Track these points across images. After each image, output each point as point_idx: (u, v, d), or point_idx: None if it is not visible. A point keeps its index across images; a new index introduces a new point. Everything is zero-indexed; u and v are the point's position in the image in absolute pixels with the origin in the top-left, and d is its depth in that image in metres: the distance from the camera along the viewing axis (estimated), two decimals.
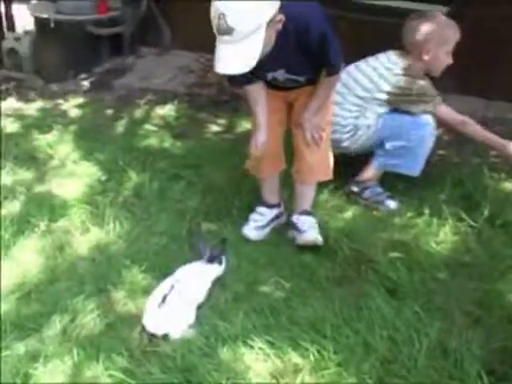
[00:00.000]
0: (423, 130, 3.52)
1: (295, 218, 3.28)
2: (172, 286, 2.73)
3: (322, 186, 3.46)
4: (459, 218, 3.39)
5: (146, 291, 2.88)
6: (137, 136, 4.40)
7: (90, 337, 2.64)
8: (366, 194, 3.61)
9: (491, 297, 2.81)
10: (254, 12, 2.50)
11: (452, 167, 3.94)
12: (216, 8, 2.50)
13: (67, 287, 2.93)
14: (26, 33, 5.88)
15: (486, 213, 3.36)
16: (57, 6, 5.67)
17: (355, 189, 3.63)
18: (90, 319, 2.72)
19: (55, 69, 5.64)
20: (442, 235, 3.28)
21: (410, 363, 2.43)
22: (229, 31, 2.50)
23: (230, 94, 4.81)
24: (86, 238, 3.29)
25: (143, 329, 2.65)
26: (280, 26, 2.64)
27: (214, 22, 2.53)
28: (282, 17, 2.61)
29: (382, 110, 3.54)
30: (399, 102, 3.52)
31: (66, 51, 5.56)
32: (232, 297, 2.84)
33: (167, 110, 4.81)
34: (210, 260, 2.91)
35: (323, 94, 3.05)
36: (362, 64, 3.60)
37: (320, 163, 3.22)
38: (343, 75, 3.38)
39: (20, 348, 2.59)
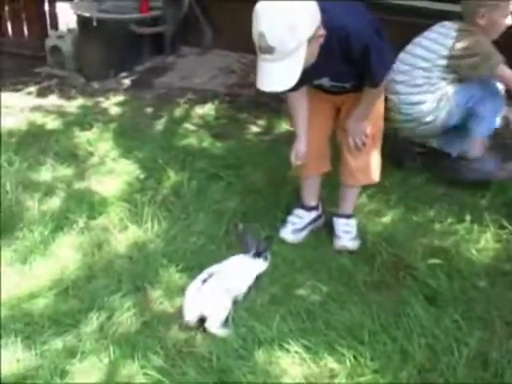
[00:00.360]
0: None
1: (334, 220, 3.30)
2: (212, 273, 2.78)
3: (360, 191, 3.43)
4: (501, 225, 3.33)
5: (183, 290, 2.87)
6: (176, 135, 4.41)
7: (126, 335, 2.66)
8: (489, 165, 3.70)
9: None
10: (293, 31, 2.45)
11: None
12: (256, 27, 2.47)
13: (105, 284, 2.94)
14: (69, 31, 5.95)
15: None
16: (99, 5, 5.74)
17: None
18: (126, 317, 2.74)
19: (97, 67, 5.69)
20: (483, 242, 3.22)
21: (448, 373, 2.40)
22: (270, 50, 2.47)
23: (270, 96, 4.78)
24: (123, 235, 3.30)
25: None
26: (322, 40, 2.60)
27: (255, 40, 2.50)
28: (323, 31, 2.57)
29: (450, 77, 3.57)
30: (462, 68, 3.55)
31: (108, 50, 5.61)
32: (269, 299, 2.82)
33: (207, 110, 4.82)
34: (256, 255, 2.93)
35: (366, 102, 2.98)
36: (417, 38, 3.69)
37: (362, 168, 3.18)
38: (401, 55, 3.63)
39: (58, 344, 2.61)
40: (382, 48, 2.76)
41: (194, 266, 3.02)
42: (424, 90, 3.59)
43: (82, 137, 4.38)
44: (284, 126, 4.40)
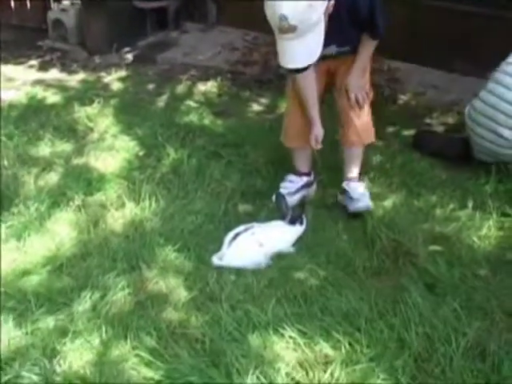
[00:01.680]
0: None
1: (345, 184, 3.33)
2: (247, 228, 2.95)
3: (362, 173, 3.43)
4: (503, 212, 3.27)
5: (179, 270, 2.86)
6: (177, 112, 4.35)
7: (119, 314, 2.61)
8: None
9: None
10: (313, 7, 2.56)
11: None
12: (275, 9, 2.56)
13: (99, 263, 2.90)
14: (72, 4, 5.87)
15: None
16: None
17: None
18: (120, 297, 2.69)
19: (99, 41, 5.61)
20: (485, 230, 3.16)
21: (445, 363, 2.34)
22: (292, 30, 2.57)
23: (273, 74, 4.73)
24: (121, 213, 3.26)
25: None
26: (332, 9, 2.69)
27: (274, 22, 2.60)
28: (333, 2, 2.66)
29: None
30: None
31: (111, 24, 5.53)
32: (265, 282, 2.77)
33: (209, 87, 4.75)
34: (292, 221, 3.03)
35: (366, 55, 3.12)
36: None
37: (365, 127, 3.27)
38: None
39: (49, 322, 2.58)
40: (380, 1, 2.90)
41: (191, 246, 2.99)
42: None
43: (83, 112, 4.32)
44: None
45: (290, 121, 3.34)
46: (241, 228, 2.98)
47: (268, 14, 2.64)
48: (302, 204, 3.17)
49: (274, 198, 3.21)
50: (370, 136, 3.33)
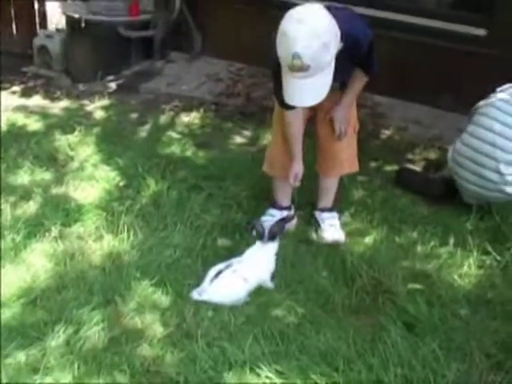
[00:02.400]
0: None
1: (317, 214, 3.42)
2: (229, 265, 2.92)
3: (343, 208, 3.46)
4: (484, 250, 3.26)
5: (155, 305, 2.81)
6: (159, 142, 4.33)
7: (92, 350, 2.56)
8: None
9: None
10: (326, 48, 2.58)
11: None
12: (288, 47, 2.55)
13: (75, 296, 2.85)
14: (58, 31, 5.87)
15: None
16: (89, 6, 5.65)
17: None
18: (94, 331, 2.65)
19: (84, 69, 5.61)
20: (466, 268, 3.15)
21: None
22: (304, 69, 2.58)
23: (256, 106, 4.73)
24: (98, 245, 3.21)
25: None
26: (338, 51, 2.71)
27: (286, 59, 2.59)
28: (342, 44, 2.69)
29: None
30: None
31: (96, 52, 5.53)
32: (243, 319, 2.74)
33: (192, 118, 4.74)
34: (271, 238, 3.00)
35: (357, 90, 3.17)
36: None
37: (349, 158, 3.33)
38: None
39: (21, 357, 2.52)
40: (374, 41, 2.94)
41: (168, 281, 2.94)
42: None
43: (64, 140, 4.29)
44: (269, 138, 4.31)
45: (274, 150, 3.34)
46: (221, 265, 2.93)
47: (279, 51, 2.62)
48: (280, 220, 3.12)
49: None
50: (353, 165, 3.38)
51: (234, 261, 2.96)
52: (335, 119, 3.18)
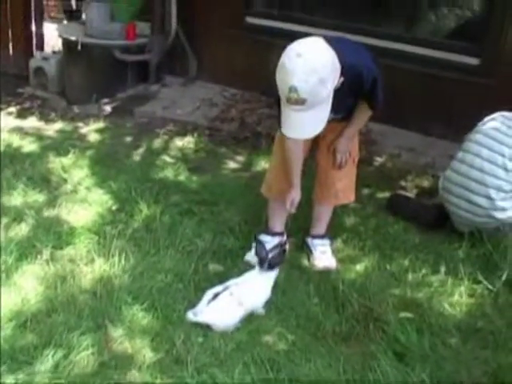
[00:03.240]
0: None
1: (309, 241, 3.44)
2: (226, 287, 2.90)
3: (335, 235, 3.46)
4: (475, 278, 3.26)
5: (145, 331, 2.79)
6: (153, 166, 4.34)
7: (81, 376, 2.54)
8: None
9: (505, 370, 2.66)
10: (324, 83, 2.59)
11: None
12: (285, 79, 2.57)
13: (65, 320, 2.83)
14: (54, 53, 5.92)
15: (504, 276, 3.23)
16: (85, 29, 5.70)
17: None
18: (83, 356, 2.62)
19: (79, 91, 5.65)
20: (457, 296, 3.14)
21: None
22: (301, 102, 2.60)
23: (250, 131, 4.76)
24: (89, 269, 3.20)
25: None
26: (339, 85, 2.72)
27: (283, 91, 2.62)
28: (342, 79, 2.70)
29: None
30: None
31: (92, 74, 5.58)
32: (233, 346, 2.72)
33: (186, 142, 4.76)
34: (271, 267, 2.98)
35: (361, 123, 3.22)
36: None
37: (346, 188, 3.36)
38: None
39: (10, 381, 2.49)
40: (381, 77, 2.94)
41: (159, 306, 2.93)
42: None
43: (58, 162, 4.31)
44: (262, 164, 4.34)
45: (273, 174, 3.35)
46: (219, 288, 2.93)
47: (278, 82, 2.64)
48: (283, 251, 3.09)
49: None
50: (350, 196, 3.42)
51: (232, 283, 2.95)
52: (337, 151, 3.22)
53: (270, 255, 2.98)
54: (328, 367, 2.61)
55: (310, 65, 2.57)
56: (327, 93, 2.65)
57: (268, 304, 2.99)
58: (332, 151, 3.23)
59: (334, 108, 2.89)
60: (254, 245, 3.30)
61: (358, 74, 2.81)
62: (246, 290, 2.94)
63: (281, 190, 3.26)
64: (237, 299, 2.88)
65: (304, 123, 2.71)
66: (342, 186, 3.34)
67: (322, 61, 2.61)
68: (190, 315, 2.86)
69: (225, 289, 2.91)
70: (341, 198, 3.39)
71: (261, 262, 2.98)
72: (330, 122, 3.03)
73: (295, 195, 3.17)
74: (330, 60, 2.64)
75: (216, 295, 2.89)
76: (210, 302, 2.87)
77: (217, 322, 2.83)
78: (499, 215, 3.46)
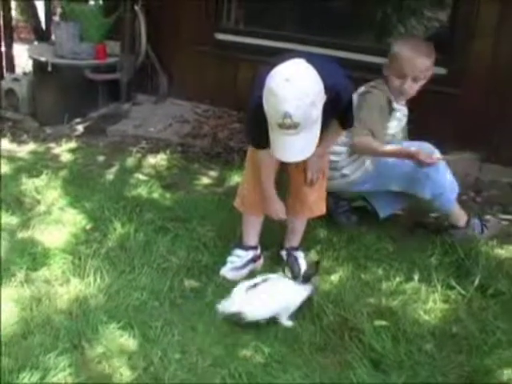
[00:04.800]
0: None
1: (284, 254, 3.47)
2: (265, 279, 3.01)
3: (309, 247, 3.50)
4: (449, 285, 3.31)
5: (122, 349, 2.79)
6: (126, 185, 4.33)
7: None
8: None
9: (479, 373, 2.70)
10: (314, 105, 2.66)
11: (444, 231, 3.87)
12: (278, 106, 2.61)
13: (41, 342, 2.80)
14: (25, 74, 5.89)
15: (476, 281, 3.29)
16: (55, 50, 5.69)
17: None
18: (60, 377, 2.61)
19: (51, 112, 5.63)
20: (431, 303, 3.18)
21: None
22: (294, 126, 2.64)
23: (222, 147, 4.79)
24: (65, 289, 3.18)
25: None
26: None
27: (275, 118, 2.66)
28: (325, 97, 2.75)
29: None
30: None
31: (63, 95, 5.55)
32: (210, 361, 2.73)
33: (159, 160, 4.76)
34: (305, 281, 3.04)
35: (332, 141, 3.28)
36: None
37: (318, 201, 3.41)
38: None
39: None
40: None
41: (136, 324, 2.92)
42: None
43: (30, 184, 4.27)
44: (235, 179, 4.36)
45: (246, 188, 3.37)
46: (258, 279, 3.04)
47: (267, 108, 2.68)
48: (316, 263, 3.16)
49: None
50: (321, 208, 3.45)
51: (271, 277, 3.08)
52: (308, 168, 3.25)
53: (303, 269, 3.07)
54: (305, 378, 2.63)
55: (301, 89, 2.62)
56: (317, 114, 2.71)
57: (293, 317, 3.02)
58: (303, 169, 3.26)
59: None
60: (229, 259, 3.38)
61: (337, 94, 2.84)
62: (282, 288, 3.03)
63: (254, 203, 3.30)
64: (273, 293, 2.98)
65: (296, 146, 2.74)
66: (315, 199, 3.39)
67: (311, 83, 2.67)
68: (220, 307, 2.96)
69: (264, 280, 3.01)
70: (314, 210, 3.43)
71: (295, 278, 3.06)
72: None
73: (276, 205, 3.23)
74: (317, 81, 2.69)
75: (255, 285, 2.98)
76: (248, 290, 2.96)
77: (252, 311, 2.91)
78: (346, 171, 3.67)
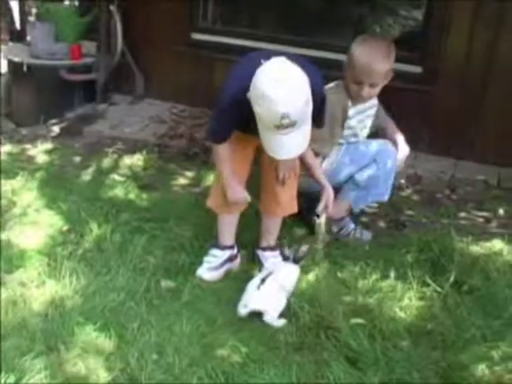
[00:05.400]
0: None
1: (260, 253, 3.49)
2: (270, 273, 3.11)
3: (286, 245, 3.47)
4: (424, 282, 3.32)
5: (99, 351, 2.78)
6: (103, 186, 4.31)
7: None
8: (345, 232, 3.77)
9: (454, 369, 2.72)
10: (307, 102, 2.70)
11: (419, 228, 3.91)
12: (275, 109, 2.61)
13: (16, 344, 2.79)
14: (1, 75, 5.84)
15: (452, 278, 3.30)
16: (31, 50, 5.66)
17: (335, 229, 3.75)
18: (36, 380, 2.59)
19: (27, 113, 5.59)
20: (407, 300, 3.20)
21: None
22: (292, 125, 2.66)
23: (199, 147, 4.78)
24: (41, 291, 3.16)
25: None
26: None
27: (272, 120, 2.65)
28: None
29: None
30: None
31: (38, 95, 5.53)
32: (187, 361, 2.73)
33: (136, 160, 4.74)
34: (296, 261, 3.27)
35: None
36: None
37: (290, 200, 3.41)
38: None
39: None
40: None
41: (112, 325, 2.92)
42: None
43: (6, 185, 4.23)
44: (212, 179, 4.33)
45: (218, 187, 3.32)
46: (263, 274, 3.14)
47: (261, 111, 2.67)
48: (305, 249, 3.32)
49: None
50: (293, 207, 3.46)
51: (272, 269, 3.19)
52: (280, 168, 3.25)
53: (293, 253, 3.26)
54: (282, 376, 2.64)
55: (294, 88, 2.64)
56: (310, 110, 2.74)
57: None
58: (274, 168, 3.27)
59: None
60: (206, 259, 3.38)
61: (314, 93, 2.83)
62: (286, 274, 3.18)
63: (226, 202, 3.28)
64: (279, 284, 3.08)
65: (294, 142, 2.76)
66: (288, 197, 3.39)
67: (302, 81, 2.68)
68: (242, 309, 3.01)
69: (268, 275, 3.10)
70: (287, 209, 3.45)
71: (285, 259, 3.27)
72: None
73: (236, 188, 3.16)
74: (305, 77, 2.70)
75: (263, 280, 3.07)
76: (259, 287, 3.05)
77: (268, 308, 2.99)
78: None
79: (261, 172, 3.38)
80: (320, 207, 3.27)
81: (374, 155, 3.62)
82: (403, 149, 3.73)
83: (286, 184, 3.31)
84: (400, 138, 3.76)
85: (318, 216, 3.34)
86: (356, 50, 3.46)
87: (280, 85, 2.61)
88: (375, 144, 3.67)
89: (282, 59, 2.73)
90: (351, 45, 3.51)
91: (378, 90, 3.57)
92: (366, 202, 3.86)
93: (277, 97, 2.59)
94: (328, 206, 3.28)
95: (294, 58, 2.81)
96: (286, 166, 3.24)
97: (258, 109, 2.69)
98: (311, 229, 3.58)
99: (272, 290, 3.04)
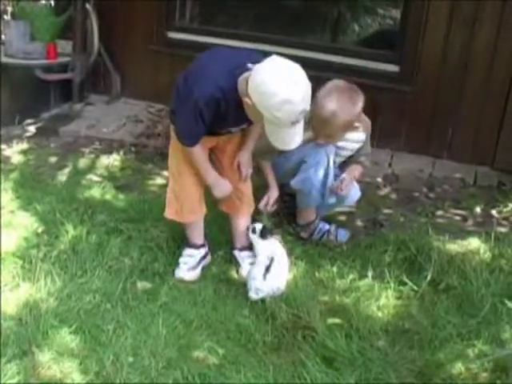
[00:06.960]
0: None
1: (237, 254, 3.49)
2: (272, 259, 3.18)
3: None
4: (401, 281, 3.33)
5: (74, 354, 2.75)
6: (79, 186, 4.27)
7: None
8: (316, 235, 3.74)
9: (431, 367, 2.73)
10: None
11: (397, 227, 3.91)
12: (296, 110, 2.68)
13: None
14: None
15: (429, 276, 3.31)
16: (6, 49, 5.59)
17: (304, 235, 3.74)
18: None
19: (1, 113, 5.51)
20: (384, 299, 3.21)
21: None
22: (305, 116, 2.79)
23: None
24: (15, 294, 3.12)
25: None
26: None
27: (293, 118, 2.71)
28: None
29: None
30: None
31: (14, 95, 5.45)
32: (164, 363, 2.71)
33: (112, 160, 4.71)
34: (263, 236, 3.34)
35: (257, 135, 3.26)
36: None
37: (251, 195, 3.48)
38: None
39: None
40: None
41: (88, 327, 2.89)
42: None
43: None
44: None
45: (181, 196, 3.33)
46: (266, 261, 3.19)
47: (282, 116, 2.69)
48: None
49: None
50: (253, 202, 3.51)
51: (271, 253, 3.23)
52: (242, 163, 3.31)
53: (257, 232, 3.32)
54: (258, 377, 2.63)
55: (307, 85, 2.72)
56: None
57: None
58: (237, 165, 3.31)
59: (241, 119, 3.00)
60: (181, 260, 3.37)
61: None
62: (282, 253, 3.28)
63: (192, 210, 3.34)
64: (281, 261, 3.21)
65: (300, 131, 2.83)
66: (250, 193, 3.45)
67: (301, 72, 2.74)
68: (254, 295, 3.12)
69: (271, 260, 3.17)
70: (252, 204, 3.49)
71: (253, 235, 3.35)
72: (232, 134, 3.21)
73: (222, 183, 3.26)
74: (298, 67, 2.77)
75: (267, 268, 3.14)
76: (265, 275, 3.12)
77: (281, 287, 3.16)
78: None
79: (223, 173, 3.33)
80: (261, 204, 3.51)
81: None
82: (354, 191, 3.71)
83: (246, 180, 3.38)
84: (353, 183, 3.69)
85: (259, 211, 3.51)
86: (319, 105, 3.29)
87: (296, 86, 2.68)
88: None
89: (274, 57, 2.77)
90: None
91: (338, 137, 3.48)
92: (327, 209, 3.81)
93: (297, 98, 2.67)
94: (268, 204, 3.50)
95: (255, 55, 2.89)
96: (246, 161, 3.31)
97: (277, 114, 2.69)
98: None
99: (279, 272, 3.19)
